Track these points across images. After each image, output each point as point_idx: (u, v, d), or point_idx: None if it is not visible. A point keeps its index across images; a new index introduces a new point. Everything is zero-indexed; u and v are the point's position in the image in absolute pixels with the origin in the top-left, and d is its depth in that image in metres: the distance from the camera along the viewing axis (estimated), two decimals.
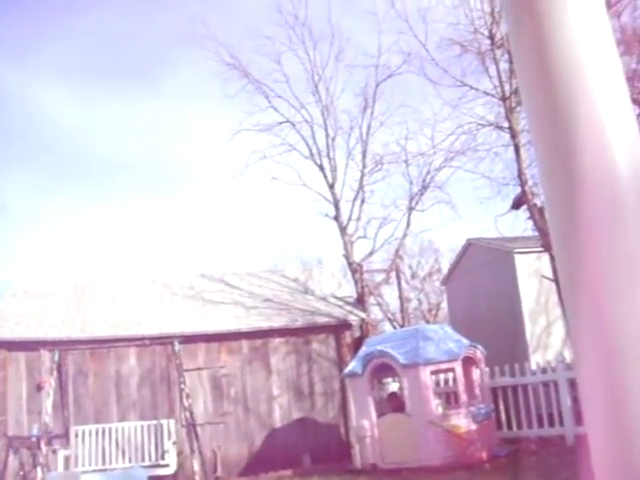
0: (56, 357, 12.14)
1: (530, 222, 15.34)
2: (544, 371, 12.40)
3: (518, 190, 15.47)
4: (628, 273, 1.09)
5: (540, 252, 15.14)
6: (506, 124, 15.24)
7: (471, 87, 15.89)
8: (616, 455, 1.09)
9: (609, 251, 1.10)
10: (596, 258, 1.11)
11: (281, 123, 19.67)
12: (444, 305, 29.44)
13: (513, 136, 14.77)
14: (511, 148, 15.30)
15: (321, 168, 19.49)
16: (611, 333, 1.09)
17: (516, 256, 17.45)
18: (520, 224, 16.56)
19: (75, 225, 50.05)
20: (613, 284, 1.09)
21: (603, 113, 1.15)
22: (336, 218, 19.13)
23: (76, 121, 43.29)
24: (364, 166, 19.57)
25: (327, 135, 19.61)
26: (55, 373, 12.15)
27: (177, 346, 12.06)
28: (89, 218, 50.36)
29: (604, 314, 1.10)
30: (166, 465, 12.81)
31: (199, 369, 13.94)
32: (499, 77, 15.05)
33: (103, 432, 12.99)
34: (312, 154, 19.57)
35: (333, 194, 19.31)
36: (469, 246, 20.28)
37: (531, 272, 16.87)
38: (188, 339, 13.38)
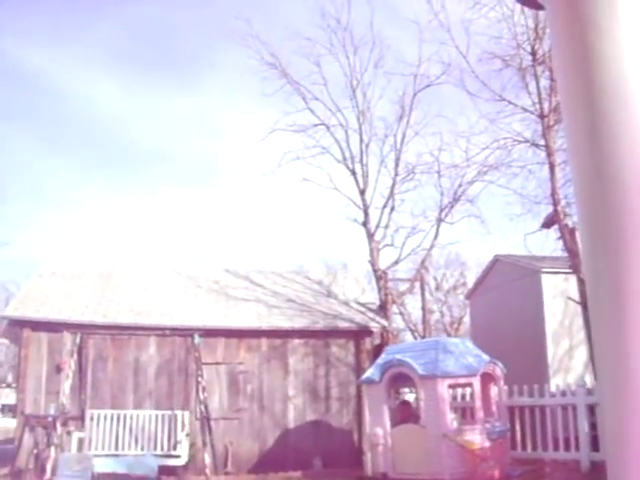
0: (77, 340, 12.29)
1: (560, 242, 15.18)
2: (564, 394, 12.25)
3: (550, 209, 15.31)
4: None
5: (568, 273, 14.97)
6: (542, 142, 15.10)
7: (509, 102, 15.77)
8: None
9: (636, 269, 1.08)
10: (626, 283, 1.09)
11: (316, 125, 19.71)
12: (466, 319, 29.26)
13: (549, 154, 14.63)
14: (546, 166, 15.16)
15: (353, 173, 19.49)
16: (637, 360, 1.07)
17: (543, 276, 17.27)
18: (550, 244, 16.39)
19: (106, 212, 50.72)
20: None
21: None
22: (364, 224, 19.10)
23: (116, 109, 43.88)
24: (396, 174, 19.53)
25: (361, 141, 19.61)
26: (75, 356, 12.30)
27: (197, 339, 12.13)
28: (121, 205, 51.00)
29: (632, 339, 1.08)
30: (178, 456, 12.89)
31: (217, 364, 14.01)
32: (538, 94, 14.92)
33: (118, 418, 13.10)
34: (345, 158, 19.58)
35: (363, 200, 19.29)
36: (496, 262, 20.13)
37: (557, 293, 16.69)
38: (208, 333, 13.45)
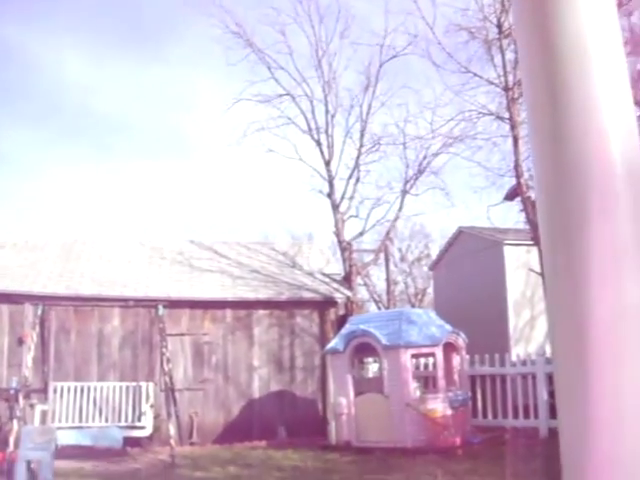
0: (39, 312, 12.13)
1: (522, 215, 15.36)
2: (524, 363, 12.51)
3: (513, 182, 15.46)
4: (615, 266, 1.09)
5: (530, 245, 15.19)
6: (507, 115, 15.19)
7: (475, 74, 15.81)
8: (584, 448, 1.11)
9: (596, 244, 1.10)
10: (583, 249, 1.11)
11: (281, 95, 19.57)
12: (430, 291, 29.55)
13: (513, 127, 14.73)
14: (510, 139, 15.27)
15: (318, 144, 19.44)
16: (590, 326, 1.09)
17: (505, 247, 17.50)
18: (512, 216, 16.58)
19: (70, 182, 49.88)
20: (598, 276, 1.09)
21: (603, 109, 1.14)
22: (330, 195, 19.10)
23: (81, 79, 43.00)
24: (361, 145, 19.52)
25: (327, 111, 19.53)
26: (37, 328, 12.15)
27: (161, 310, 12.06)
28: (84, 176, 50.18)
29: (585, 306, 1.10)
30: (142, 427, 12.88)
31: (182, 335, 13.98)
32: (504, 67, 14.97)
33: (82, 390, 13.02)
34: (310, 129, 19.51)
35: (328, 171, 19.27)
36: (460, 234, 20.33)
37: (519, 265, 16.93)
38: (173, 304, 13.38)
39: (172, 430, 11.00)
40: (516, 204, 16.08)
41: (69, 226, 45.24)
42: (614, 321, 1.08)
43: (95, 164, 51.95)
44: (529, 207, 14.31)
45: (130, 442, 12.28)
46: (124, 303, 13.43)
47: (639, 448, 1.05)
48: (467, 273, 18.99)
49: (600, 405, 1.07)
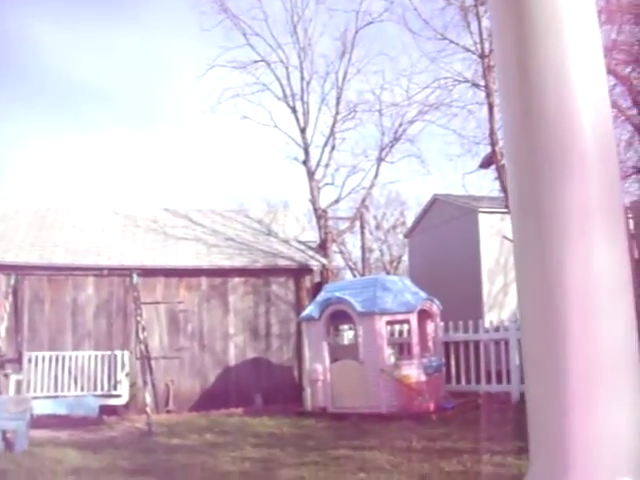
0: (12, 281, 12.00)
1: (497, 183, 15.42)
2: (497, 329, 12.67)
3: (488, 150, 15.49)
4: (583, 226, 1.09)
5: (504, 213, 15.29)
6: (483, 82, 15.17)
7: (451, 41, 15.73)
8: (549, 409, 1.11)
9: (565, 205, 1.10)
10: (552, 211, 1.10)
11: (256, 62, 19.36)
12: (405, 258, 29.72)
13: (488, 95, 14.72)
14: (485, 107, 15.27)
15: (294, 111, 19.30)
16: (558, 286, 1.09)
17: (480, 215, 17.60)
18: (487, 184, 16.66)
19: (42, 150, 49.11)
20: (566, 237, 1.09)
21: (575, 77, 1.13)
22: (305, 163, 19.03)
23: (53, 45, 42.14)
24: (337, 112, 19.43)
25: (302, 78, 19.36)
26: (10, 297, 12.03)
27: (135, 278, 12.00)
28: (56, 144, 49.44)
29: (554, 268, 1.10)
30: (118, 395, 12.88)
31: (157, 303, 13.93)
32: (480, 34, 14.91)
33: (57, 359, 12.97)
34: (286, 96, 19.35)
35: (304, 138, 19.18)
36: (435, 202, 20.38)
37: (493, 232, 17.04)
38: (147, 272, 13.31)
39: (148, 398, 11.01)
40: (491, 172, 16.14)
41: (42, 195, 44.70)
42: (582, 282, 1.08)
43: (68, 132, 51.22)
44: (504, 175, 14.36)
45: (106, 410, 12.30)
46: (98, 272, 13.35)
47: (607, 408, 1.06)
48: (442, 240, 19.09)
49: (568, 367, 1.08)
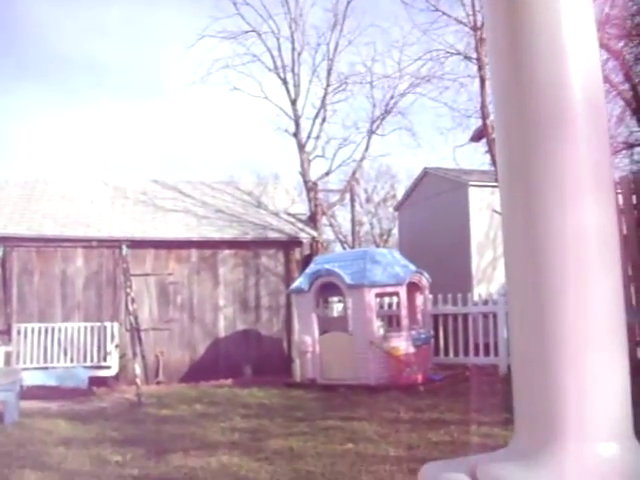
0: (0, 253, 11.96)
1: (488, 156, 15.43)
2: (485, 303, 12.74)
3: (480, 123, 15.47)
4: (572, 193, 1.08)
5: (494, 187, 15.29)
6: (475, 55, 15.11)
7: (443, 13, 15.65)
8: (534, 376, 1.12)
9: (554, 170, 1.09)
10: (540, 176, 1.10)
11: (247, 32, 19.18)
12: (395, 231, 29.77)
13: (480, 68, 14.67)
14: (477, 80, 15.22)
15: (284, 82, 19.17)
16: (546, 254, 1.09)
17: (470, 189, 17.61)
18: (478, 157, 16.70)
19: (30, 121, 48.65)
20: (555, 204, 1.09)
21: (568, 50, 1.12)
22: (295, 135, 18.95)
23: (40, 16, 41.54)
24: (328, 84, 19.32)
25: (293, 49, 19.22)
26: None
27: (125, 250, 11.96)
28: (45, 114, 48.97)
29: (542, 235, 1.10)
30: (108, 367, 12.92)
31: (146, 275, 13.92)
32: (472, 5, 14.84)
33: (46, 331, 12.97)
34: (276, 67, 19.21)
35: (294, 110, 19.07)
36: (425, 175, 20.37)
37: (484, 206, 17.08)
38: (137, 244, 13.29)
39: (138, 369, 11.05)
40: (482, 145, 16.15)
41: (30, 166, 44.41)
42: (571, 250, 1.08)
43: (55, 103, 50.72)
44: (494, 148, 14.34)
45: (96, 382, 12.33)
46: (87, 243, 13.30)
47: (594, 373, 1.07)
48: (432, 214, 19.12)
49: (554, 333, 1.08)
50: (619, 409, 1.09)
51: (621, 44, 13.53)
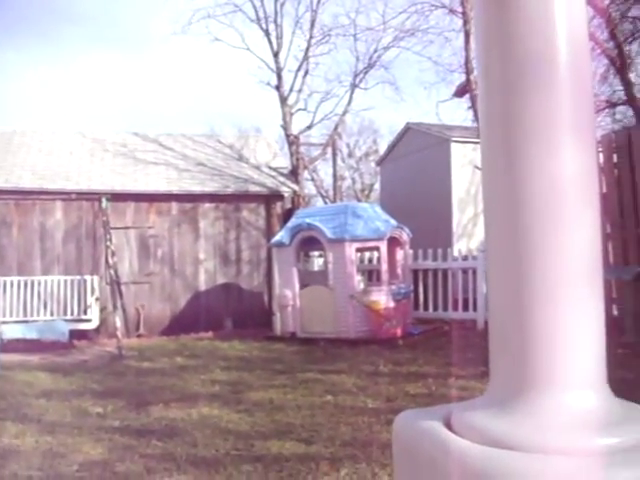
0: None
1: (471, 112, 15.37)
2: (465, 258, 12.83)
3: (463, 78, 15.37)
4: (552, 139, 1.08)
5: (476, 143, 15.26)
6: (460, 9, 14.92)
7: None
8: (510, 324, 1.13)
9: (534, 116, 1.08)
10: (520, 122, 1.09)
11: None
12: (377, 187, 29.75)
13: (465, 22, 14.50)
14: (462, 34, 15.06)
15: (267, 34, 18.87)
16: (525, 202, 1.09)
17: (452, 144, 17.56)
18: (461, 113, 16.63)
19: (5, 71, 47.59)
20: (534, 150, 1.08)
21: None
22: (277, 88, 18.73)
23: None
24: (311, 36, 19.05)
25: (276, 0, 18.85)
26: None
27: (104, 203, 11.86)
28: (21, 65, 47.94)
29: (520, 181, 1.09)
30: (88, 320, 12.94)
31: (126, 228, 13.85)
32: None
33: (25, 284, 12.93)
34: (258, 18, 18.88)
35: (277, 62, 18.82)
36: (408, 130, 20.27)
37: (465, 162, 17.05)
38: (117, 197, 13.18)
39: (118, 322, 11.06)
40: (465, 101, 16.07)
41: (7, 118, 43.61)
42: (550, 200, 1.08)
43: (32, 53, 49.62)
44: (477, 104, 14.29)
45: (77, 335, 12.35)
46: (66, 196, 13.16)
47: (572, 325, 1.08)
48: (414, 169, 19.08)
49: (530, 279, 1.08)
50: (593, 358, 1.10)
51: (607, 1, 13.42)
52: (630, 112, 15.27)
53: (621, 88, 14.64)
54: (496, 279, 1.17)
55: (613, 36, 13.71)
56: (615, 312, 9.33)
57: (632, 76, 14.37)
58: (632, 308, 8.81)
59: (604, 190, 9.76)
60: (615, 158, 9.89)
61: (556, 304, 1.07)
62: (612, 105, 15.76)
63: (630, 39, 14.73)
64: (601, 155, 9.88)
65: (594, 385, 1.09)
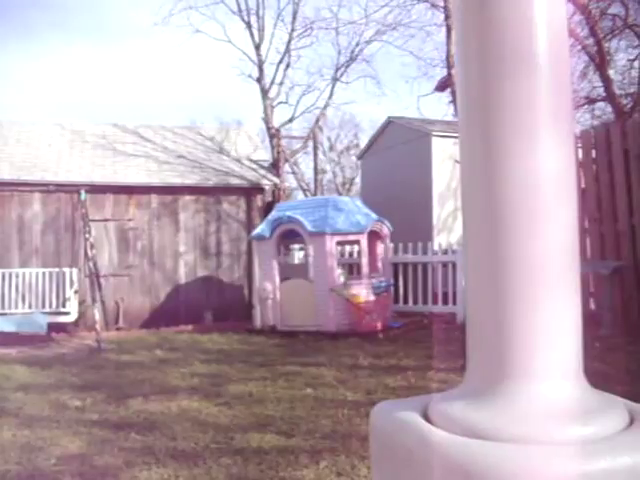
0: None
1: (452, 107, 15.42)
2: (445, 252, 12.89)
3: (445, 73, 15.41)
4: (530, 126, 1.08)
5: (457, 137, 15.31)
6: (442, 3, 14.95)
7: None
8: (488, 315, 1.13)
9: (512, 103, 1.08)
10: (498, 110, 1.09)
11: None
12: (358, 180, 29.77)
13: (447, 16, 14.54)
14: (443, 29, 15.10)
15: (248, 26, 18.79)
16: (503, 190, 1.10)
17: (433, 139, 17.59)
18: (442, 108, 16.67)
19: None
20: (512, 138, 1.09)
21: None
22: (259, 80, 18.67)
23: None
24: (293, 29, 19.00)
25: None
26: None
27: (83, 195, 11.78)
28: (1, 57, 47.35)
29: (498, 169, 1.10)
30: (67, 313, 12.84)
31: (106, 220, 13.76)
32: None
33: (3, 276, 12.81)
34: (240, 10, 18.79)
35: (258, 55, 18.76)
36: (389, 124, 20.27)
37: (446, 156, 17.09)
38: (96, 189, 13.09)
39: (97, 315, 10.99)
40: (446, 96, 16.11)
41: None
42: (527, 191, 1.08)
43: (12, 43, 49.05)
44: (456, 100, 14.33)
45: (55, 328, 12.24)
46: (45, 188, 13.06)
47: (548, 315, 1.08)
48: (394, 163, 19.09)
49: (508, 270, 1.09)
50: (570, 349, 1.11)
51: None
52: (609, 108, 15.41)
53: (600, 84, 14.76)
54: (474, 270, 1.18)
55: (593, 33, 13.81)
56: (593, 306, 9.43)
57: (611, 73, 14.49)
58: (609, 302, 8.91)
59: (583, 185, 9.85)
60: (594, 154, 9.97)
61: (534, 296, 1.08)
62: (591, 101, 15.88)
63: (610, 36, 14.86)
64: (580, 151, 9.96)
65: (570, 376, 1.10)
